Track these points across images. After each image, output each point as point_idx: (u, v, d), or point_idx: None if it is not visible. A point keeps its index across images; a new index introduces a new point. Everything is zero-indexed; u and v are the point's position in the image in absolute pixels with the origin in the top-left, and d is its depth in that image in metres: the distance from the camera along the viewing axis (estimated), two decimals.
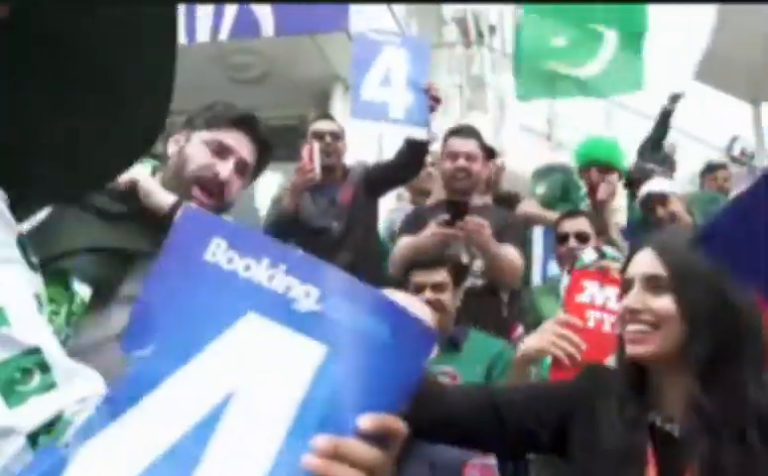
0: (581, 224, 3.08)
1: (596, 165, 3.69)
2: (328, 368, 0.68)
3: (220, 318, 0.69)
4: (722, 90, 6.11)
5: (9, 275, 0.71)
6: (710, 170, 4.86)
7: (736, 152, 5.13)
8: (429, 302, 2.37)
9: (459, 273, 2.61)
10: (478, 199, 3.26)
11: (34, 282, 0.75)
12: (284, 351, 0.69)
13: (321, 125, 3.67)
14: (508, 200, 3.93)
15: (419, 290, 2.58)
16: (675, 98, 4.63)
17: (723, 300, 1.31)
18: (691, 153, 6.27)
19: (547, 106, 6.14)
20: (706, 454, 1.20)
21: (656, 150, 4.41)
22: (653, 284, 1.34)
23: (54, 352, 0.70)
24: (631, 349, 1.33)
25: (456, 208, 2.88)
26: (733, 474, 1.18)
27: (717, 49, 5.19)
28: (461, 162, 3.15)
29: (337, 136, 3.65)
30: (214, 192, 1.49)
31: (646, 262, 1.37)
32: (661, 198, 3.62)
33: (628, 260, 1.43)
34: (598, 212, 3.42)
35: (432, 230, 2.91)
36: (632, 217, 4.00)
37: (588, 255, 2.58)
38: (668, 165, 4.31)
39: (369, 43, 3.36)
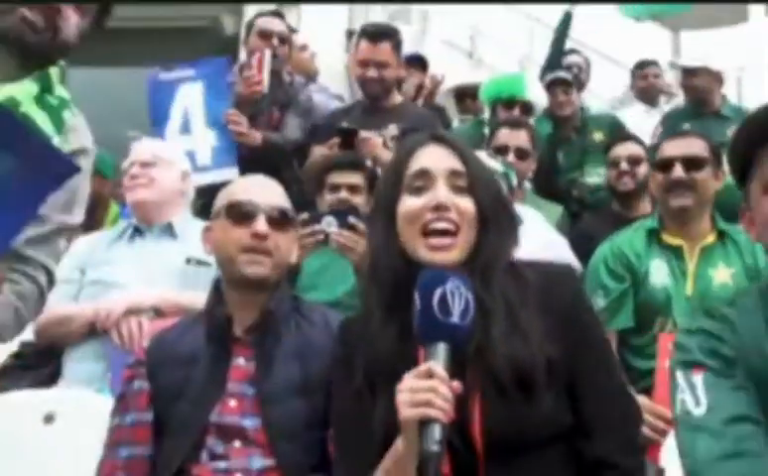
0: (523, 138, 2.98)
1: (500, 101, 3.64)
2: None
3: None
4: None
5: None
6: (641, 66, 4.82)
7: None
8: (342, 202, 2.39)
9: (374, 179, 2.52)
10: (394, 98, 3.16)
11: None
12: None
13: (270, 23, 3.40)
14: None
15: (334, 190, 2.49)
16: (567, 16, 4.56)
17: (503, 198, 1.37)
18: (610, 76, 6.29)
19: (469, 22, 6.01)
20: (482, 352, 1.22)
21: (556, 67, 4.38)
22: (455, 181, 1.30)
23: None
24: (436, 255, 1.26)
25: (347, 135, 2.81)
26: (503, 343, 1.22)
27: None
28: (371, 72, 3.03)
29: (285, 40, 3.40)
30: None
31: (445, 157, 1.32)
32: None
33: (408, 155, 1.34)
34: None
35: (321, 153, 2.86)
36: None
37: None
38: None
39: (163, 86, 3.11)
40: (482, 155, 2.55)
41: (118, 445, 1.60)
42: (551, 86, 3.97)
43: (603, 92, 6.03)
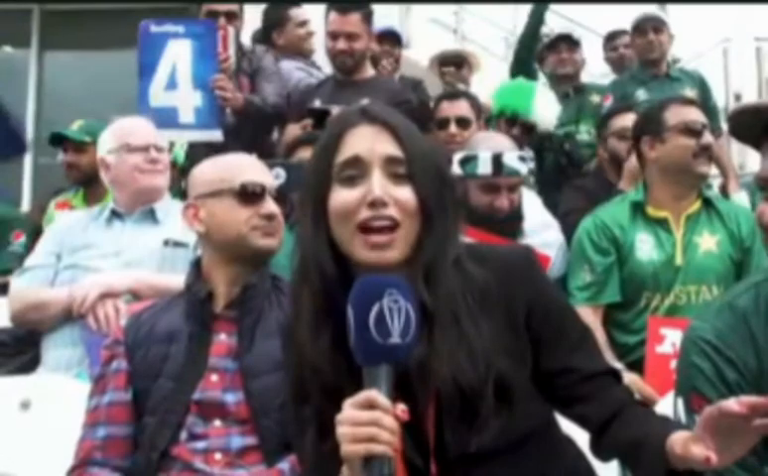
0: (462, 108, 2.97)
1: (504, 116, 3.53)
2: None
3: None
4: None
5: None
6: (612, 37, 4.63)
7: None
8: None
9: None
10: (366, 72, 3.13)
11: None
12: None
13: (214, 6, 3.37)
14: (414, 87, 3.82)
15: None
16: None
17: (450, 185, 1.20)
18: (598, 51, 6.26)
19: None
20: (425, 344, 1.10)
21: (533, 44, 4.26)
22: (393, 169, 1.12)
23: None
24: (375, 255, 1.10)
25: (320, 115, 2.77)
26: (449, 353, 1.10)
27: None
28: (341, 44, 3.01)
29: (234, 16, 3.38)
30: None
31: (380, 141, 1.14)
32: None
33: (338, 136, 1.16)
34: None
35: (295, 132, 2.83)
36: None
37: (483, 164, 2.40)
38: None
39: (153, 38, 3.07)
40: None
41: (96, 425, 1.57)
42: (556, 43, 3.91)
43: (589, 66, 6.00)
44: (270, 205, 1.71)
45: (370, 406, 1.00)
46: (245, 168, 1.76)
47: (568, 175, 3.66)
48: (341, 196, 1.12)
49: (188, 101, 3.03)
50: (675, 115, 2.47)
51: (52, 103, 6.04)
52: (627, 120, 3.11)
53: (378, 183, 1.10)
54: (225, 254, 1.69)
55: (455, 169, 2.45)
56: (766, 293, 1.29)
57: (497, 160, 2.32)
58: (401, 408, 1.01)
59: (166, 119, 2.92)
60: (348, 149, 1.14)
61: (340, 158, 1.14)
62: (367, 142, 1.13)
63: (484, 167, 2.34)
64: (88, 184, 3.38)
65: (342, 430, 1.00)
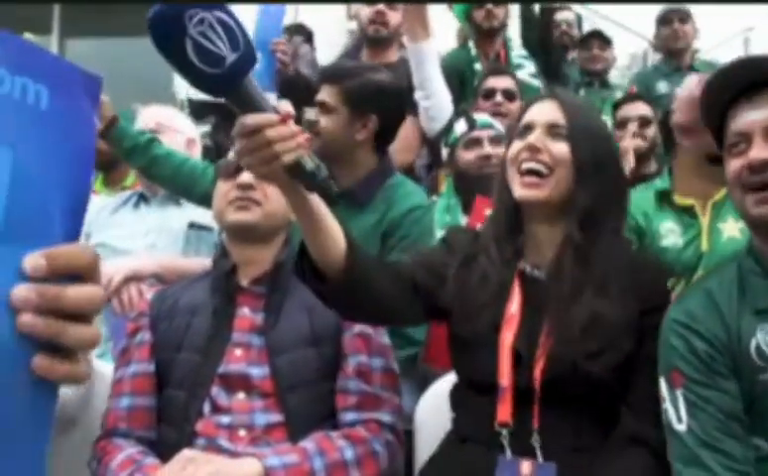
0: (509, 82, 3.02)
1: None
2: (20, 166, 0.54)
3: None
4: None
5: None
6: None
7: None
8: (306, 123, 2.12)
9: (360, 94, 2.08)
10: (392, 54, 3.14)
11: None
12: None
13: None
14: None
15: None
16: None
17: (609, 153, 1.44)
18: (621, 43, 6.21)
19: None
20: (566, 296, 1.33)
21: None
22: (553, 130, 1.41)
23: None
24: (526, 192, 1.38)
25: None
26: (584, 318, 1.31)
27: None
28: (381, 5, 3.04)
29: None
30: None
31: (548, 110, 1.44)
32: None
33: (527, 108, 1.48)
34: None
35: None
36: None
37: (460, 127, 2.54)
38: None
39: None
40: None
41: (120, 396, 1.59)
42: (588, 39, 3.96)
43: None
44: (242, 177, 1.61)
45: (256, 131, 1.01)
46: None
47: None
48: (512, 146, 1.46)
49: None
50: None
51: None
52: (631, 109, 3.10)
53: (536, 137, 1.40)
54: (226, 233, 1.71)
55: (444, 155, 2.64)
56: (730, 275, 1.40)
57: (469, 118, 2.53)
58: (284, 106, 1.07)
59: None
60: (528, 115, 1.47)
61: (521, 122, 1.47)
62: (541, 111, 1.44)
63: (460, 128, 2.53)
64: (108, 169, 3.36)
65: (246, 160, 1.06)
